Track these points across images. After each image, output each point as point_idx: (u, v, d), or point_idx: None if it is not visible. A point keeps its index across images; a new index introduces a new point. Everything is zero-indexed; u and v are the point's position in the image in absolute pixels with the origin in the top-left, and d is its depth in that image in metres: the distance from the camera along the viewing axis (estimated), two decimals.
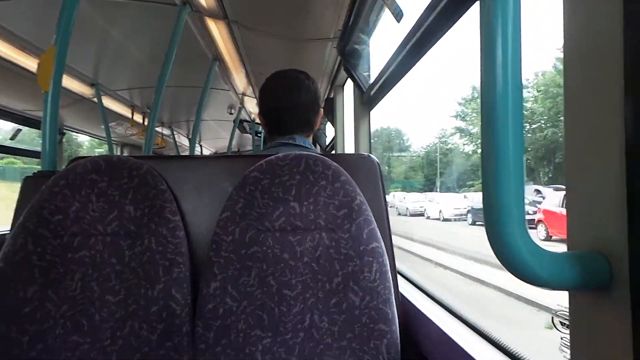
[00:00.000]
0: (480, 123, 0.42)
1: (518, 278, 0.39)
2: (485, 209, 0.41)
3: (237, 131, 4.54)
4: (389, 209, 0.96)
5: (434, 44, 1.06)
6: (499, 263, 0.40)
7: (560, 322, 0.55)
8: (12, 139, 3.33)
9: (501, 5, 0.40)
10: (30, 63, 2.34)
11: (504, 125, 0.39)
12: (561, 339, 0.53)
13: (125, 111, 3.77)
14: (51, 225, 0.83)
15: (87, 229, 0.84)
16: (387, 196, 0.98)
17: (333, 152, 2.92)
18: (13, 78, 2.45)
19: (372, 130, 1.96)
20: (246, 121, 4.65)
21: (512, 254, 0.39)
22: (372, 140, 1.97)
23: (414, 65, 1.22)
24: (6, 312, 0.78)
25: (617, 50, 0.37)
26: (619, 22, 0.37)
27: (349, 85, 2.32)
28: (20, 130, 3.32)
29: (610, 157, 0.38)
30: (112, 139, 3.85)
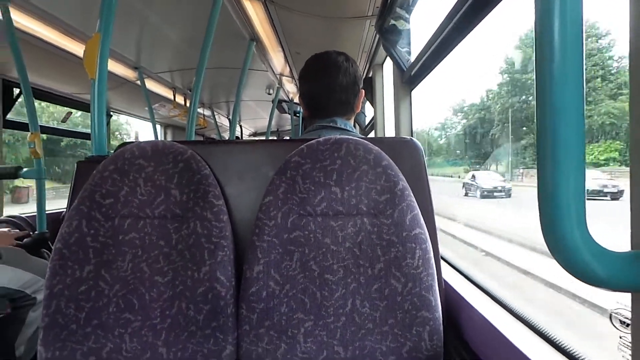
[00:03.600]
0: (535, 109, 0.38)
1: (577, 278, 0.37)
2: (541, 205, 0.38)
3: (276, 111, 4.56)
4: (432, 193, 0.93)
5: (477, 24, 1.00)
6: None
7: (620, 321, 0.52)
8: (63, 121, 3.49)
9: None
10: (76, 48, 2.43)
11: (563, 111, 0.36)
12: (620, 337, 0.50)
13: (167, 93, 3.86)
14: (103, 208, 0.87)
15: (136, 212, 0.88)
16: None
17: (372, 132, 2.88)
18: (61, 63, 2.56)
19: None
20: (285, 101, 4.65)
21: (570, 253, 0.37)
22: None
23: (459, 42, 1.16)
24: (64, 289, 0.84)
25: None
26: None
27: (389, 63, 2.25)
28: (71, 113, 3.48)
29: None
30: (156, 120, 3.97)
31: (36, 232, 2.24)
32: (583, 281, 0.37)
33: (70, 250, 0.85)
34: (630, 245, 0.40)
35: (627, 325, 0.47)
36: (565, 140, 0.36)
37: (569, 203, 0.36)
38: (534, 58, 0.38)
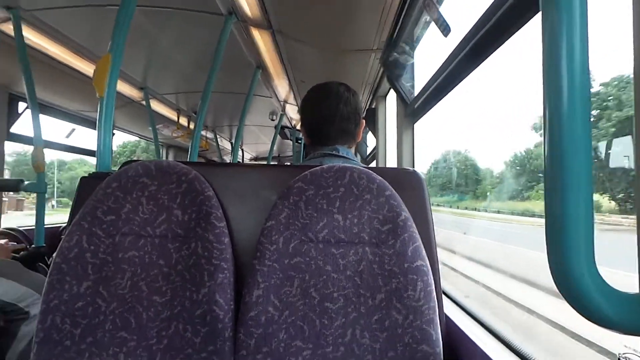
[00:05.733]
0: (542, 147, 0.39)
1: (586, 319, 0.36)
2: (549, 242, 0.38)
3: (277, 137, 4.60)
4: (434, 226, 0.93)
5: (482, 61, 1.03)
6: None
7: None
8: (67, 137, 3.51)
9: (566, 18, 0.37)
10: (83, 66, 2.48)
11: (571, 149, 0.36)
12: None
13: (171, 114, 3.91)
14: (104, 224, 0.86)
15: (137, 230, 0.87)
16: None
17: (374, 161, 2.90)
18: (67, 80, 2.61)
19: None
20: (287, 127, 4.70)
21: (579, 292, 0.36)
22: None
23: (463, 78, 1.19)
24: (61, 305, 0.82)
25: None
26: None
27: (392, 96, 2.29)
28: (75, 129, 3.50)
29: None
30: (159, 140, 4.00)
31: (33, 245, 2.22)
32: (593, 322, 0.36)
33: (69, 265, 0.84)
34: (639, 287, 0.40)
35: None
36: (573, 181, 0.36)
37: (578, 243, 0.36)
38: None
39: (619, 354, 0.53)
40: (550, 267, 0.38)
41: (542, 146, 0.39)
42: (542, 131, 0.39)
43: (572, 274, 0.36)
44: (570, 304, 0.37)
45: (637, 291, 0.39)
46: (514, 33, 0.88)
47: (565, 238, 0.37)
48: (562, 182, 0.37)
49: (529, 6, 0.80)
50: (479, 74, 1.10)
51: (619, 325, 0.36)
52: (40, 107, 2.31)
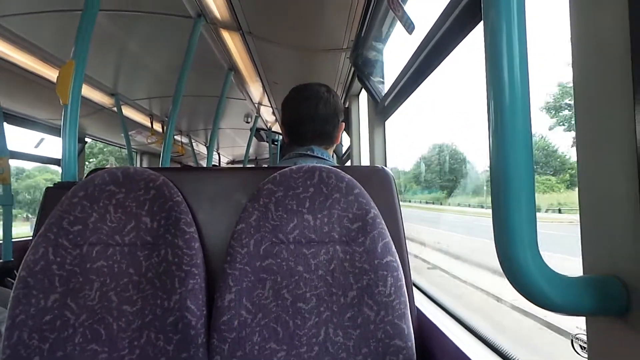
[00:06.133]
0: (487, 141, 0.41)
1: (531, 302, 0.38)
2: (496, 230, 0.39)
3: (254, 139, 4.58)
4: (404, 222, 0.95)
5: (447, 55, 1.05)
6: None
7: (580, 346, 0.53)
8: (36, 147, 3.42)
9: (506, 21, 0.39)
10: (51, 74, 2.42)
11: (513, 142, 0.38)
12: None
13: (144, 120, 3.84)
14: (70, 235, 0.84)
15: (105, 239, 0.85)
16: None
17: (349, 161, 2.92)
18: (35, 88, 2.53)
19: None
20: (263, 129, 4.69)
21: (524, 277, 0.38)
22: None
23: (428, 75, 1.21)
24: (28, 319, 0.80)
25: (624, 50, 0.36)
26: (624, 20, 0.36)
27: (364, 94, 2.31)
28: (44, 139, 3.42)
29: (624, 176, 0.37)
30: (132, 147, 3.93)
31: (1, 260, 2.16)
32: (538, 305, 0.38)
33: (35, 279, 0.81)
34: (582, 270, 0.42)
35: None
36: (515, 168, 0.38)
37: (521, 230, 0.38)
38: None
39: (572, 335, 0.55)
40: (497, 255, 0.40)
41: (488, 139, 0.41)
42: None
43: (516, 260, 0.38)
44: (517, 290, 0.39)
45: (580, 275, 0.41)
46: (469, 33, 0.91)
47: (509, 226, 0.38)
48: (506, 173, 0.38)
49: (473, 14, 0.85)
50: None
51: (561, 307, 0.38)
52: (6, 117, 2.24)
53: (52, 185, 1.03)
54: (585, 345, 0.49)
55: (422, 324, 0.95)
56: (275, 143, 4.82)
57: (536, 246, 0.38)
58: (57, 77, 1.24)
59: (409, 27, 1.22)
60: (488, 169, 0.42)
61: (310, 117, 1.20)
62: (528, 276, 0.38)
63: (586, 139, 0.42)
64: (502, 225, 0.39)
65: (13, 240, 2.25)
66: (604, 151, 0.39)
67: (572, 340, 0.55)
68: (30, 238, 0.88)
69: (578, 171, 0.43)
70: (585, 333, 0.43)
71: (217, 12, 1.94)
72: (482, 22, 0.42)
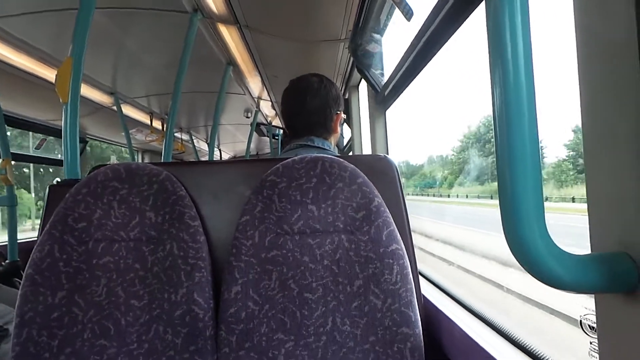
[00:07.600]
0: (492, 115, 0.40)
1: (540, 281, 0.38)
2: (502, 208, 0.39)
3: (254, 134, 4.57)
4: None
5: (445, 42, 1.05)
6: None
7: (589, 326, 0.53)
8: (37, 148, 3.43)
9: (509, 4, 0.38)
10: (49, 75, 2.41)
11: (518, 117, 0.38)
12: (590, 343, 0.51)
13: (144, 118, 3.84)
14: (76, 232, 0.85)
15: (110, 235, 0.86)
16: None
17: (350, 153, 2.91)
18: (35, 90, 2.53)
19: None
20: (263, 124, 4.67)
21: (532, 255, 0.38)
22: None
23: (427, 63, 1.20)
24: (36, 317, 0.81)
25: (633, 47, 0.35)
26: (631, 19, 0.35)
27: (364, 85, 2.30)
28: (45, 139, 3.42)
29: (632, 149, 0.36)
30: (133, 145, 3.93)
31: (7, 260, 2.17)
32: (545, 283, 0.38)
33: (43, 276, 0.82)
34: (590, 248, 0.42)
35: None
36: (522, 148, 0.38)
37: (528, 207, 0.38)
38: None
39: (581, 315, 0.55)
40: (504, 234, 0.39)
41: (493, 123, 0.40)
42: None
43: (524, 239, 0.38)
44: (526, 270, 0.39)
45: (588, 252, 0.41)
46: (466, 19, 0.91)
47: (516, 204, 0.38)
48: (512, 151, 0.38)
49: None
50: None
51: (570, 285, 0.38)
52: (6, 119, 2.24)
53: (55, 184, 1.03)
54: (595, 325, 0.49)
55: (429, 311, 0.95)
56: (276, 137, 4.81)
57: (544, 224, 0.38)
58: (56, 75, 1.24)
59: (408, 13, 1.21)
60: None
61: (303, 109, 1.22)
62: (536, 255, 0.37)
63: (591, 113, 0.41)
64: (509, 204, 0.38)
65: (18, 241, 2.26)
66: (608, 122, 0.39)
67: (580, 322, 0.55)
68: (35, 238, 0.88)
69: (584, 146, 0.42)
70: (595, 312, 0.43)
71: (213, 6, 1.93)
72: (482, 4, 0.41)
